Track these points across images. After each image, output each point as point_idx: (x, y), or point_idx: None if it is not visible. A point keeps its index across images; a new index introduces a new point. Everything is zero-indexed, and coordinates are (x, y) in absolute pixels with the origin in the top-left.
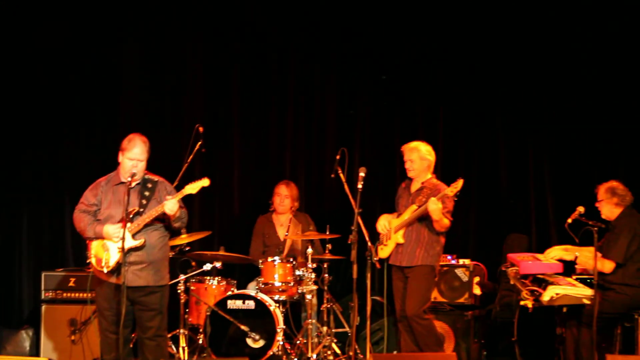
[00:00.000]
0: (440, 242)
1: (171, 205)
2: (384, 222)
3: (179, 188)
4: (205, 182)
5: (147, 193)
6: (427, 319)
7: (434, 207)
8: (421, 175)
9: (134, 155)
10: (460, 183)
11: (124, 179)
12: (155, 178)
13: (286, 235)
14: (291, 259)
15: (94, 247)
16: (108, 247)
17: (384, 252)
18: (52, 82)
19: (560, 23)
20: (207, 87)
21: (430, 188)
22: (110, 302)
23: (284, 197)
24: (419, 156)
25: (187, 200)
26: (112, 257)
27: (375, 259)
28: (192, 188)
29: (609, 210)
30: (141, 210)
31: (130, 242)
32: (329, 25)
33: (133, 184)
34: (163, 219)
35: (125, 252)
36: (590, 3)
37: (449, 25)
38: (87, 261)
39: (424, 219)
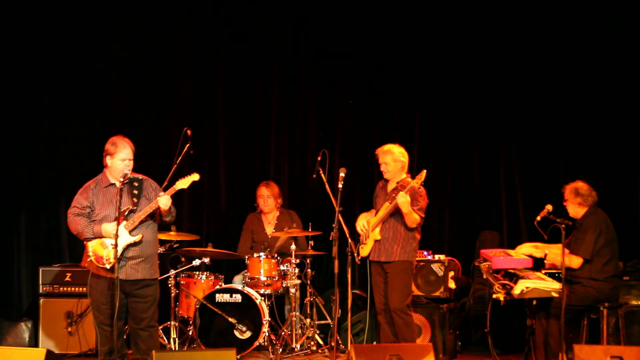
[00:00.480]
0: (416, 238)
1: (165, 200)
2: (362, 222)
3: (168, 188)
4: (195, 176)
5: (135, 192)
6: (409, 315)
7: (402, 200)
8: (396, 176)
9: (125, 155)
10: (423, 174)
11: (113, 180)
12: (140, 176)
13: (273, 232)
14: (276, 255)
15: (93, 246)
16: (107, 245)
17: (364, 250)
18: (48, 80)
19: (533, 20)
20: (193, 90)
21: (404, 186)
22: (107, 296)
23: (267, 197)
24: (393, 158)
25: (176, 199)
26: (112, 253)
27: (357, 258)
28: (184, 183)
29: (573, 209)
30: (134, 208)
31: (129, 239)
32: (312, 25)
33: (123, 185)
34: (153, 215)
35: (124, 248)
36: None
37: (423, 22)
38: (88, 259)
39: (399, 215)
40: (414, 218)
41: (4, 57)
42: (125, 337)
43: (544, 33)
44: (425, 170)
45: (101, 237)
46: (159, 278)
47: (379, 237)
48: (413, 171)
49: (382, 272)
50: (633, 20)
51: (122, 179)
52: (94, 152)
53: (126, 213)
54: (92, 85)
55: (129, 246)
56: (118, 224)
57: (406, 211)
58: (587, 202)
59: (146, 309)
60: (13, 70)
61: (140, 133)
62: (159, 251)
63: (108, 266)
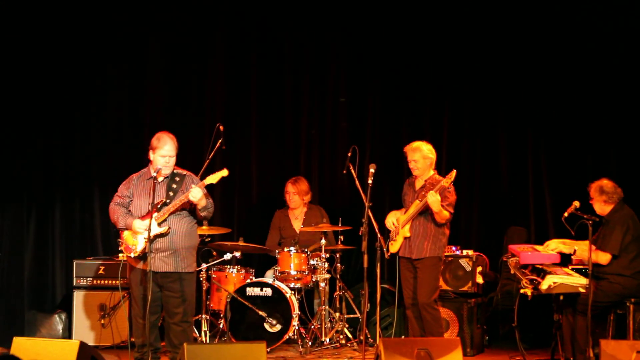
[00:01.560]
0: (445, 234)
1: (195, 192)
2: (392, 219)
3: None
4: (224, 172)
5: (174, 186)
6: (437, 309)
7: (433, 199)
8: (425, 174)
9: (165, 152)
10: (453, 173)
11: (154, 174)
12: (184, 172)
13: (302, 227)
14: (306, 250)
15: (126, 236)
16: (136, 235)
17: (394, 247)
18: (84, 73)
19: (560, 20)
20: (226, 87)
21: (433, 184)
22: (140, 288)
23: (292, 194)
24: (422, 156)
25: (209, 193)
26: (139, 244)
27: (387, 254)
28: (213, 178)
29: (599, 207)
30: (167, 201)
31: (155, 230)
32: (344, 23)
33: (161, 178)
34: (191, 210)
35: (152, 240)
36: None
37: (452, 24)
38: (120, 248)
39: (429, 213)
40: (443, 215)
41: (41, 46)
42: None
43: (572, 31)
44: (455, 170)
45: (131, 230)
46: (195, 271)
47: (408, 235)
48: (442, 168)
49: (411, 268)
50: None
51: (154, 174)
52: (129, 146)
53: (159, 206)
54: (128, 78)
55: (157, 237)
56: (150, 218)
57: (436, 210)
58: (612, 200)
59: (178, 304)
60: (49, 61)
61: (174, 128)
62: (196, 246)
63: (133, 255)
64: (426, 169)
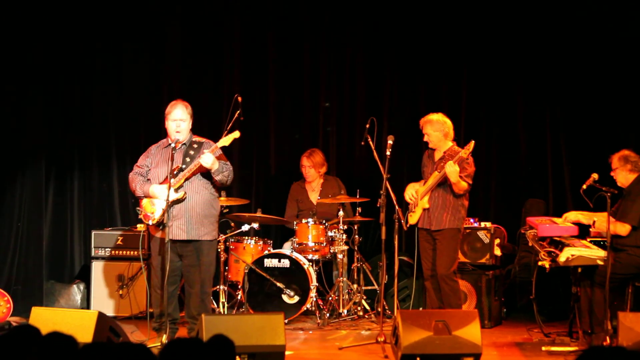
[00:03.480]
0: (464, 206)
1: (206, 158)
2: (411, 191)
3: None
4: (236, 134)
5: (192, 152)
6: (455, 281)
7: (451, 169)
8: (441, 145)
9: (175, 116)
10: (472, 144)
11: (171, 142)
12: (202, 140)
13: (319, 199)
14: (324, 221)
15: (144, 204)
16: (155, 203)
17: (412, 218)
18: (101, 46)
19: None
20: (244, 58)
21: (452, 155)
22: (158, 258)
23: (308, 167)
24: (433, 128)
25: (227, 158)
26: (157, 210)
27: (405, 226)
28: (225, 141)
29: (623, 177)
30: (183, 166)
31: (172, 195)
32: None
33: (179, 146)
34: (209, 176)
35: (169, 205)
36: None
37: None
38: (139, 216)
39: (447, 184)
40: (461, 186)
41: (65, 14)
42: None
43: (590, 8)
44: (473, 141)
45: (149, 196)
46: (215, 240)
47: (427, 206)
48: (460, 140)
49: (430, 240)
50: None
51: (173, 145)
52: (146, 117)
53: (175, 172)
54: (146, 51)
55: (174, 204)
56: (169, 185)
57: (454, 181)
58: (637, 168)
59: (195, 273)
60: (69, 32)
61: (192, 99)
62: (216, 215)
63: (151, 222)
64: (441, 140)
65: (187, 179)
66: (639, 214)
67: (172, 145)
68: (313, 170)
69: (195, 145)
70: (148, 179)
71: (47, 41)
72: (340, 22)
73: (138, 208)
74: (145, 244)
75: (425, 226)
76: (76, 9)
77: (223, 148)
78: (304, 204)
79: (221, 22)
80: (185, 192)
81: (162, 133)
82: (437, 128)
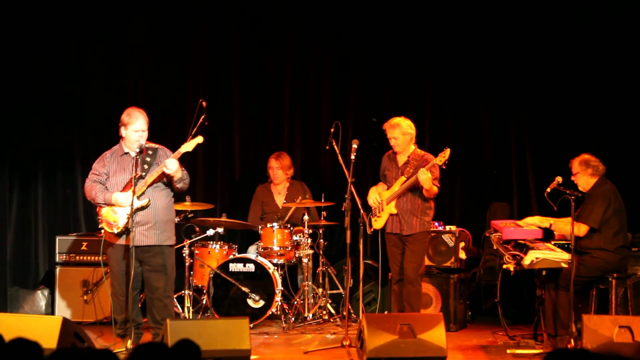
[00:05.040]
0: (432, 208)
1: (170, 164)
2: (374, 196)
3: (182, 158)
4: (199, 139)
5: (148, 159)
6: (420, 284)
7: (424, 177)
8: (406, 149)
9: (138, 126)
10: (447, 152)
11: (127, 150)
12: (155, 145)
13: (284, 202)
14: (289, 225)
15: (104, 213)
16: (116, 211)
17: (378, 223)
18: (63, 48)
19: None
20: (208, 61)
21: (416, 159)
22: (120, 264)
23: (276, 169)
24: (402, 132)
25: (190, 169)
26: (120, 219)
27: (370, 230)
28: (188, 146)
29: (585, 181)
30: (143, 174)
31: (136, 203)
32: (325, 1)
33: (133, 153)
34: (168, 182)
35: (133, 213)
36: None
37: (436, 4)
38: (99, 226)
39: (415, 189)
40: (434, 191)
41: (18, 21)
42: (140, 305)
43: (553, 10)
44: (449, 149)
45: (111, 204)
46: (174, 245)
47: (395, 211)
48: (425, 143)
49: (400, 244)
50: None
51: (137, 149)
52: (110, 122)
53: (135, 180)
54: (109, 55)
55: (137, 211)
56: (133, 193)
57: (428, 187)
58: (598, 172)
59: (160, 278)
60: (29, 40)
61: (156, 104)
62: (174, 220)
63: (116, 230)
64: (407, 144)
65: (149, 186)
66: (599, 216)
67: (131, 153)
68: (281, 172)
69: (150, 152)
70: (106, 188)
71: (8, 44)
72: (306, 27)
73: (98, 217)
74: (104, 250)
75: (394, 231)
76: (39, 13)
77: (185, 154)
78: (269, 207)
79: (186, 26)
80: (149, 199)
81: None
82: (406, 131)
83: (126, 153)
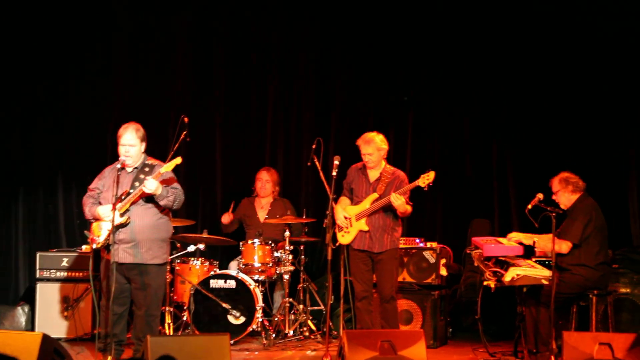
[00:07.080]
0: (400, 225)
1: (149, 184)
2: (342, 214)
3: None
4: (177, 160)
5: (142, 176)
6: (396, 300)
7: (399, 202)
8: (378, 165)
9: (124, 141)
10: (432, 175)
11: (118, 165)
12: (155, 162)
13: (266, 218)
14: (270, 242)
15: (94, 227)
16: (102, 226)
17: (345, 238)
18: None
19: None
20: (190, 78)
21: (388, 176)
22: (107, 279)
23: (265, 181)
24: (376, 147)
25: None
26: (102, 234)
27: (335, 245)
28: (167, 167)
29: (566, 198)
30: (131, 191)
31: (117, 219)
32: (309, 13)
33: (130, 169)
34: (155, 200)
35: (114, 230)
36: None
37: (420, 17)
38: (87, 239)
39: (388, 208)
40: (409, 211)
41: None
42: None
43: (534, 31)
44: (433, 172)
45: (97, 219)
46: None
47: (366, 228)
48: (407, 160)
49: (368, 262)
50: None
51: (119, 166)
52: (92, 139)
53: (123, 197)
54: (92, 73)
55: (119, 228)
56: (114, 209)
57: (402, 210)
58: (578, 188)
59: (142, 297)
60: (11, 56)
61: (138, 120)
62: (166, 238)
63: (95, 246)
64: (380, 159)
65: (132, 204)
66: (580, 232)
67: (119, 166)
68: (269, 185)
69: (147, 169)
70: (100, 202)
71: None
72: (289, 42)
73: (86, 232)
74: (92, 265)
75: (364, 248)
76: (23, 30)
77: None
78: (251, 221)
79: (169, 42)
80: (129, 217)
81: (109, 155)
82: (380, 147)
83: (123, 168)
